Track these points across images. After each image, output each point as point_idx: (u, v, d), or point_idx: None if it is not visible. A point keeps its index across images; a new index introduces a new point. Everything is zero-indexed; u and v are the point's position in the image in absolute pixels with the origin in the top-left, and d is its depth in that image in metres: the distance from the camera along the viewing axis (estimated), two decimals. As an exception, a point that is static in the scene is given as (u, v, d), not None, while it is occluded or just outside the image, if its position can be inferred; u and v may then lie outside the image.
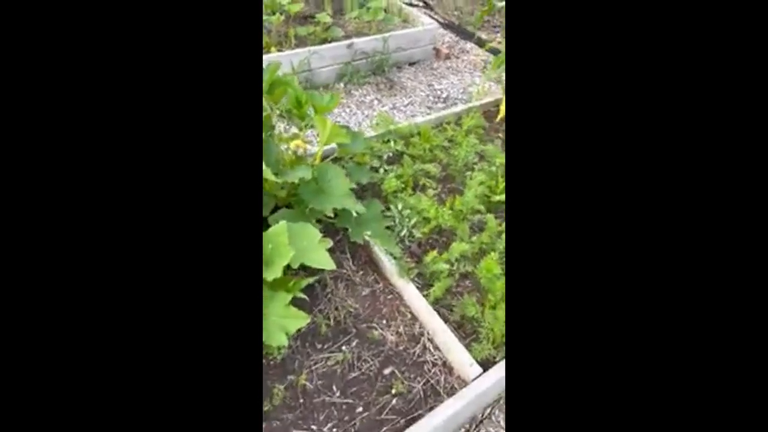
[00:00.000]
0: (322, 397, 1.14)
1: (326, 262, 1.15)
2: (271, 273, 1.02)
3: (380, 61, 2.67)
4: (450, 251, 1.38)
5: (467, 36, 3.24)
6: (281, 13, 2.42)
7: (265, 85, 1.41)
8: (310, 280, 1.28)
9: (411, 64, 2.87)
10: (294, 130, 1.70)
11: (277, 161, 1.36)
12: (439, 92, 2.66)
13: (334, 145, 1.50)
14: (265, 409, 1.11)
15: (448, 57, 2.98)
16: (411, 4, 3.35)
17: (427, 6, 3.58)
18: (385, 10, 2.91)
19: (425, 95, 2.63)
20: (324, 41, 2.63)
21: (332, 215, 1.35)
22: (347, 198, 1.30)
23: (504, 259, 1.39)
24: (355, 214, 1.35)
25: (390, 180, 1.58)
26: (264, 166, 1.12)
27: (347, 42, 2.53)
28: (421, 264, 1.41)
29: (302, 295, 1.23)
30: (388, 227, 1.48)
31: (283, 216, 1.25)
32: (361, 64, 2.64)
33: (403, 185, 1.63)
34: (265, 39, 2.56)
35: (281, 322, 1.05)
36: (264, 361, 1.20)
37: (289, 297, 1.08)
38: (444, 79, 2.80)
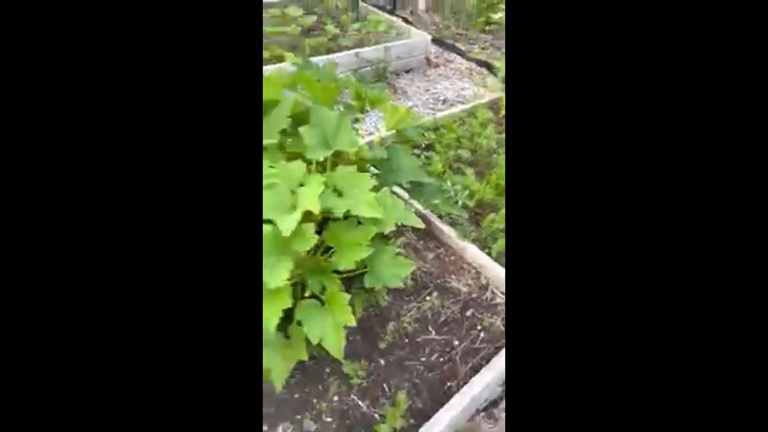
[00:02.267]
0: (422, 336, 1.34)
1: (416, 221, 1.36)
2: (385, 227, 1.22)
3: (383, 68, 2.93)
4: (499, 216, 1.64)
5: (448, 47, 3.61)
6: (297, 26, 2.61)
7: (325, 83, 1.61)
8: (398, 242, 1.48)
9: (407, 71, 3.16)
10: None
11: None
12: (436, 95, 2.97)
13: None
14: (381, 347, 1.28)
15: (437, 65, 3.32)
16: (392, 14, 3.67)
17: (407, 22, 3.92)
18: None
19: (425, 98, 2.92)
20: (330, 51, 2.85)
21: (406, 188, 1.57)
22: (418, 171, 1.52)
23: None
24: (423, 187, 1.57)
25: (436, 162, 1.82)
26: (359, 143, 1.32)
27: (355, 51, 2.77)
28: (478, 228, 1.66)
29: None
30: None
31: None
32: (366, 71, 2.88)
33: (442, 168, 1.88)
34: (280, 48, 2.72)
35: (393, 269, 1.24)
36: (370, 311, 1.37)
37: (396, 249, 1.27)
38: (437, 84, 3.12)
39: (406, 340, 1.32)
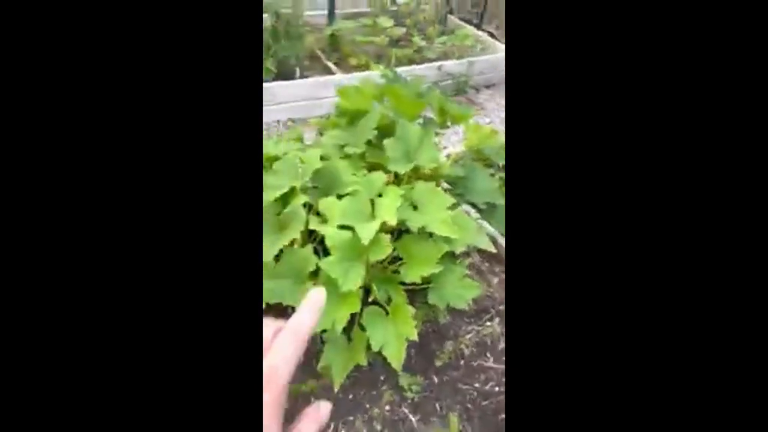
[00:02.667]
0: (479, 362, 1.32)
1: (488, 244, 1.34)
2: (457, 246, 1.22)
3: (463, 82, 2.93)
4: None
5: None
6: (386, 36, 2.69)
7: (411, 97, 1.64)
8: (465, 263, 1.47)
9: (488, 86, 3.13)
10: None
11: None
12: (516, 114, 2.91)
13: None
14: (437, 365, 1.28)
15: (520, 83, 3.25)
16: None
17: (492, 36, 3.87)
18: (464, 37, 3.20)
19: (503, 115, 2.87)
20: (414, 62, 2.90)
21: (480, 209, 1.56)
22: (495, 193, 1.50)
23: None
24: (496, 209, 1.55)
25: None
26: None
27: (438, 64, 2.80)
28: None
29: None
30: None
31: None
32: (447, 84, 2.89)
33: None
34: (366, 57, 2.83)
35: (459, 290, 1.24)
36: (428, 326, 1.38)
37: (464, 270, 1.27)
38: (518, 102, 3.06)
39: (462, 363, 1.31)
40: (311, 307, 0.33)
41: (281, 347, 0.30)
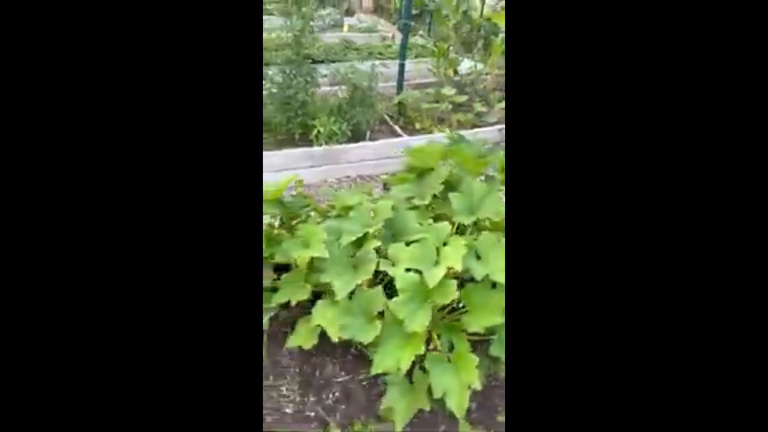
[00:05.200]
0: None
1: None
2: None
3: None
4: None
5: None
6: (449, 103, 2.93)
7: (475, 155, 1.76)
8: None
9: (549, 148, 3.20)
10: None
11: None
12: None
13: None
14: (499, 420, 1.24)
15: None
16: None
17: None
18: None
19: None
20: (475, 126, 3.08)
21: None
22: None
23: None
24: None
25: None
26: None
27: (499, 126, 2.94)
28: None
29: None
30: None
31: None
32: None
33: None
34: (429, 122, 3.07)
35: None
36: (490, 379, 1.36)
37: (528, 322, 1.27)
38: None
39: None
40: None
41: None
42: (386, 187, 2.57)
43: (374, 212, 1.38)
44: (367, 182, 2.69)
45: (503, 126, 2.97)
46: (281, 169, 2.44)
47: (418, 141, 2.84)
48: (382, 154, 2.78)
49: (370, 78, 2.75)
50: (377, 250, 1.30)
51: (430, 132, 2.96)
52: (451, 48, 3.59)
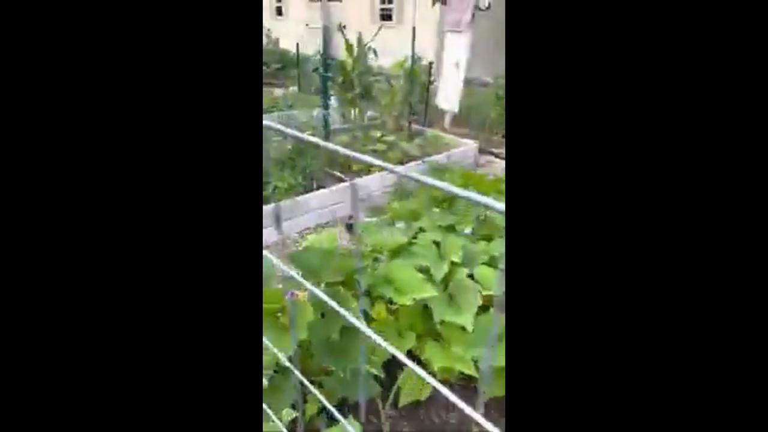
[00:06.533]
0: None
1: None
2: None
3: (444, 170, 3.49)
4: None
5: (483, 152, 4.30)
6: (381, 143, 3.19)
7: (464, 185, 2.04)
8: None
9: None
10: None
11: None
12: (494, 188, 3.50)
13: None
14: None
15: (482, 165, 3.94)
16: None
17: (444, 131, 4.68)
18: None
19: (486, 191, 3.44)
20: (401, 162, 3.41)
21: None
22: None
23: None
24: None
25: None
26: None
27: (427, 159, 3.34)
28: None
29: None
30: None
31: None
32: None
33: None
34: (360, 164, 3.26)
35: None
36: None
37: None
38: (489, 180, 3.69)
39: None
40: None
41: None
42: (348, 230, 2.64)
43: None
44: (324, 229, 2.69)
45: (428, 158, 3.38)
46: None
47: (372, 180, 3.01)
48: (336, 199, 2.84)
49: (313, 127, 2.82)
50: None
51: (368, 172, 3.15)
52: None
